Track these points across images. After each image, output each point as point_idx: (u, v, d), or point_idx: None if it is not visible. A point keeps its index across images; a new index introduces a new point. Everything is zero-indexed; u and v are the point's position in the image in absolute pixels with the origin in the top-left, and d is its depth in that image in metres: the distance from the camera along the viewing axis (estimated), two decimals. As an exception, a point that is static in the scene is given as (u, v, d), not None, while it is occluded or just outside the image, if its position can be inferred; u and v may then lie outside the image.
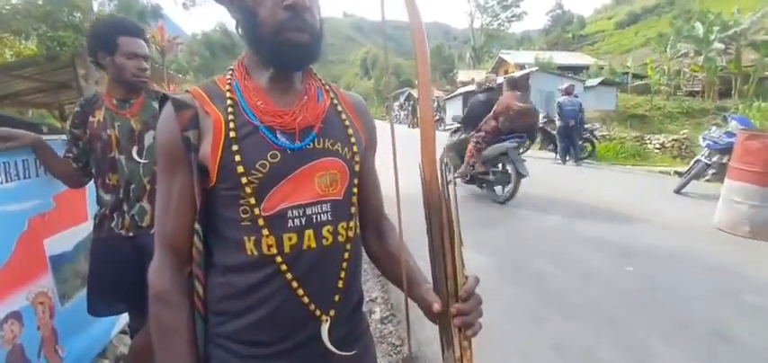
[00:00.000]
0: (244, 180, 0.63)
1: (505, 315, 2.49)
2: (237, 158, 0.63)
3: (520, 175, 4.78)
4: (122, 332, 2.07)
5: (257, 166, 0.64)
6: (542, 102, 15.63)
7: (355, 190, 0.74)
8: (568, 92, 8.52)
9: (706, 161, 5.41)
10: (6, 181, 1.39)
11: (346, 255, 0.71)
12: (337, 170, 0.70)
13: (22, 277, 1.42)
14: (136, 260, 1.46)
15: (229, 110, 0.66)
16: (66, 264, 1.70)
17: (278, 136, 0.66)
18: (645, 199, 5.41)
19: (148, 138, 1.50)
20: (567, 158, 8.64)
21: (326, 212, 0.68)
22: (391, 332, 2.44)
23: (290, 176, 0.65)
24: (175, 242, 0.67)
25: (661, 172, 7.98)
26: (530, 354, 2.15)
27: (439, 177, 0.62)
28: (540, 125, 9.49)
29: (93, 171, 1.52)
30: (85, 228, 1.84)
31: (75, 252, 1.76)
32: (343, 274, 0.71)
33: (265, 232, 0.64)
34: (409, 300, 0.69)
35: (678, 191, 5.57)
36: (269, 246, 0.64)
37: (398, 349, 2.28)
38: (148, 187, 1.50)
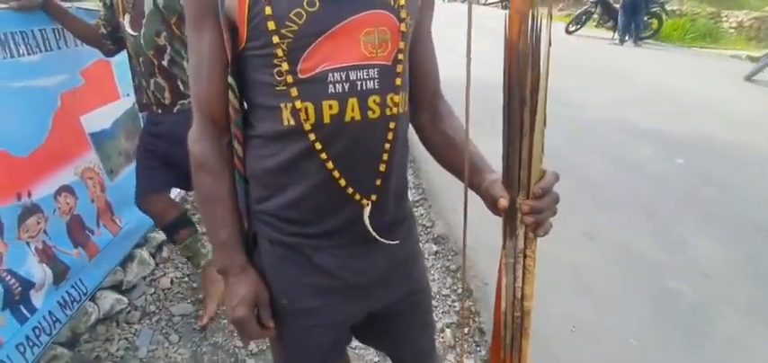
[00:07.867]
0: (275, 38, 0.54)
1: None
2: (268, 10, 0.54)
3: None
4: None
5: (292, 16, 0.54)
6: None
7: (402, 56, 0.61)
8: None
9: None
10: (29, 54, 1.33)
11: (391, 135, 0.62)
12: (388, 28, 0.58)
13: (65, 153, 1.45)
14: (170, 135, 1.40)
15: None
16: (107, 141, 1.72)
17: None
18: (710, 86, 4.86)
19: (148, 3, 1.29)
20: (627, 38, 7.64)
21: (373, 79, 0.58)
22: (422, 215, 2.48)
23: (330, 31, 0.55)
24: (211, 107, 0.63)
25: (732, 55, 7.04)
26: (556, 240, 2.14)
27: (529, 31, 0.47)
28: None
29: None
30: (120, 105, 1.83)
31: (114, 129, 1.77)
32: (385, 156, 0.63)
33: (302, 97, 0.56)
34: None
35: (749, 78, 4.96)
36: (306, 115, 0.57)
37: (429, 230, 2.34)
38: (156, 62, 1.35)
